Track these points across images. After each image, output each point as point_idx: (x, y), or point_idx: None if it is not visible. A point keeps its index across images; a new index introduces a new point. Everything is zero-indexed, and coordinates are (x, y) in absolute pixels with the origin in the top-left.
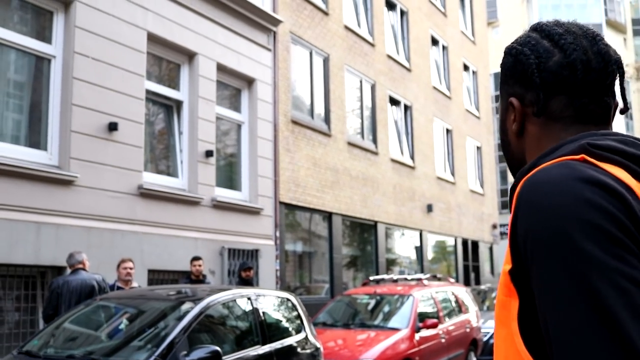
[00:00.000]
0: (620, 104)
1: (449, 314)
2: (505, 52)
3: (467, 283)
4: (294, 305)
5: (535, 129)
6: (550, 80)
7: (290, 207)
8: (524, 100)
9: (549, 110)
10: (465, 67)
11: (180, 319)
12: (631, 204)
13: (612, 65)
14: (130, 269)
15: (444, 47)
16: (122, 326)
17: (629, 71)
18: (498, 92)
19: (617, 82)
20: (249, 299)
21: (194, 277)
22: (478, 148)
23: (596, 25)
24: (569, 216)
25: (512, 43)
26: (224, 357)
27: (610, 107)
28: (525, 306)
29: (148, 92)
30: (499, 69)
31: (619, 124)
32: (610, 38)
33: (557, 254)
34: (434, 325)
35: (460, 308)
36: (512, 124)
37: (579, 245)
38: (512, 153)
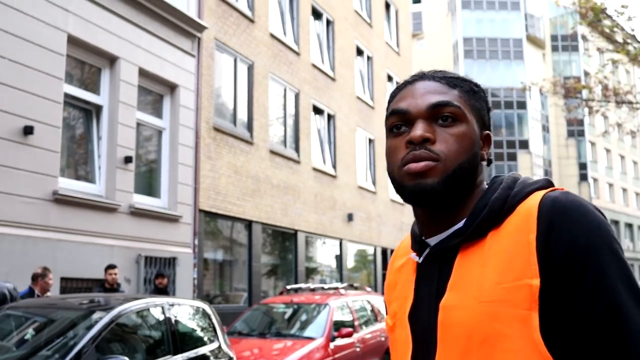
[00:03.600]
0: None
1: (365, 323)
2: (484, 94)
3: None
4: (207, 315)
5: (482, 164)
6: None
7: (211, 215)
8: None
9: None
10: (390, 78)
11: (89, 328)
12: None
13: None
14: (50, 279)
15: (368, 58)
16: (28, 336)
17: (545, 85)
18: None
19: None
20: (162, 308)
21: (109, 286)
22: None
23: (516, 41)
24: (608, 232)
25: (481, 91)
26: None
27: None
28: (546, 318)
29: (67, 95)
30: None
31: (537, 137)
32: (530, 53)
33: (611, 258)
34: (349, 334)
35: (376, 317)
36: (480, 149)
37: (621, 255)
38: (472, 170)
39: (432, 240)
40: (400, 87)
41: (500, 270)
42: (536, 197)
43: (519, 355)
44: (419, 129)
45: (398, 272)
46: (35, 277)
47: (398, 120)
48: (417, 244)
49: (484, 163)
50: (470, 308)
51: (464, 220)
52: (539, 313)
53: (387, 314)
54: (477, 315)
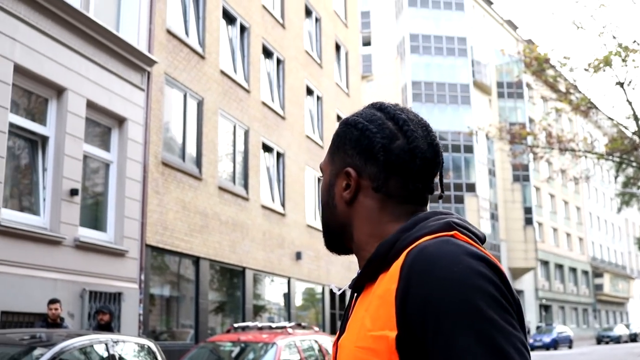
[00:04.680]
0: (438, 191)
1: None
2: (348, 124)
3: (333, 331)
4: (152, 352)
5: (370, 202)
6: (392, 161)
7: (158, 250)
8: (361, 172)
9: (386, 187)
10: (339, 118)
11: None
12: (505, 275)
13: (440, 157)
14: None
15: (318, 97)
16: None
17: (492, 131)
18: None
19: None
20: (106, 344)
21: (51, 321)
22: None
23: (464, 86)
24: (471, 287)
25: (355, 117)
26: None
27: (433, 191)
28: None
29: (12, 125)
30: None
31: (483, 180)
32: (477, 98)
33: (465, 320)
34: None
35: (324, 357)
36: (342, 190)
37: (484, 313)
38: (335, 217)
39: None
40: None
41: (372, 318)
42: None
43: None
44: None
45: None
46: None
47: None
48: None
49: (361, 199)
50: (349, 350)
51: None
52: None
53: None
54: (352, 359)
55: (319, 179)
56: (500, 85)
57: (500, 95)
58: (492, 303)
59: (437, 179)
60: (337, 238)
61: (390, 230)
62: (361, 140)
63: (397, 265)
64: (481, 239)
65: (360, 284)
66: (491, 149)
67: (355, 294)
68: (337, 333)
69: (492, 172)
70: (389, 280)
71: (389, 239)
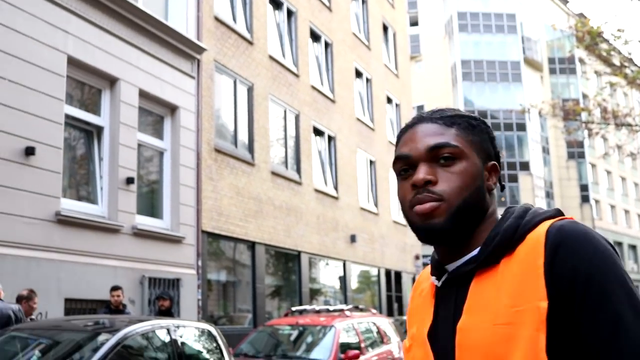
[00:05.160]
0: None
1: (371, 345)
2: (485, 123)
3: (390, 313)
4: (213, 336)
5: (492, 195)
6: (499, 164)
7: (213, 236)
8: (497, 167)
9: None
10: (389, 100)
11: (96, 350)
12: None
13: None
14: (35, 302)
15: (367, 80)
16: (34, 358)
17: (545, 108)
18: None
19: None
20: (167, 330)
21: (114, 307)
22: None
23: (514, 63)
24: (614, 259)
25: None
26: None
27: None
28: (552, 339)
29: (67, 116)
30: (421, 103)
31: (537, 158)
32: (528, 76)
33: (616, 282)
34: (356, 357)
35: (382, 339)
36: (487, 182)
37: (626, 280)
38: (480, 202)
39: (450, 267)
40: (403, 131)
41: (513, 295)
42: (544, 226)
43: None
44: (420, 173)
45: (419, 297)
46: (19, 299)
47: (403, 165)
48: (436, 269)
49: (494, 192)
50: (485, 330)
51: (479, 247)
52: (546, 334)
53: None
54: (491, 337)
55: (370, 162)
56: (551, 61)
57: (552, 71)
58: (625, 274)
59: None
60: (471, 223)
61: (496, 217)
62: (491, 138)
63: (537, 244)
64: None
65: (476, 269)
66: (544, 127)
67: (454, 284)
68: (431, 321)
69: (546, 150)
70: (531, 258)
71: (509, 225)
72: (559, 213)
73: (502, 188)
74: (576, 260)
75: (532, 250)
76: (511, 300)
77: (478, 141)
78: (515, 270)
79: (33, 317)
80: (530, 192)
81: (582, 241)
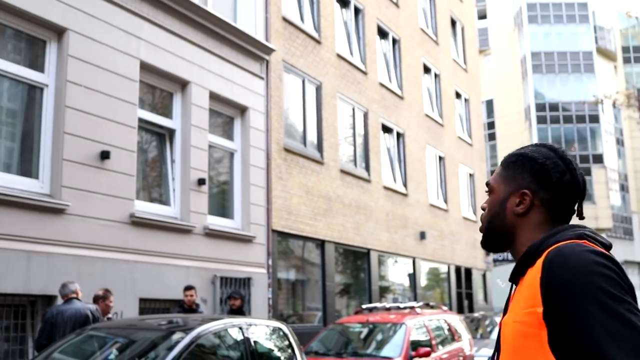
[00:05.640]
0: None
1: (442, 342)
2: (525, 156)
3: (460, 310)
4: (285, 335)
5: (537, 216)
6: (562, 190)
7: (283, 235)
8: (535, 194)
9: (554, 208)
10: (458, 95)
11: (170, 349)
12: (620, 265)
13: (585, 189)
14: (111, 301)
15: (436, 75)
16: (111, 356)
17: (619, 98)
18: (489, 121)
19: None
20: (240, 328)
21: (187, 307)
22: (470, 175)
23: (586, 53)
24: (593, 272)
25: (532, 152)
26: None
27: (582, 215)
28: (554, 335)
29: (141, 120)
30: (490, 97)
31: (611, 151)
32: (601, 66)
33: (589, 295)
34: (427, 354)
35: (453, 336)
36: (515, 205)
37: (604, 288)
38: (500, 224)
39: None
40: None
41: (525, 299)
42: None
43: None
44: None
45: None
46: (96, 299)
47: None
48: None
49: (533, 212)
50: (510, 325)
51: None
52: (547, 332)
53: None
54: (512, 331)
55: (439, 157)
56: (626, 50)
57: (627, 60)
58: (609, 281)
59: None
60: (498, 240)
61: (540, 234)
62: (540, 172)
63: (540, 261)
64: (607, 246)
65: (516, 277)
66: (618, 118)
67: (513, 284)
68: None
69: (620, 142)
70: (535, 272)
71: (536, 242)
72: (577, 237)
73: (582, 218)
74: (555, 278)
75: (537, 266)
76: (525, 303)
77: (511, 175)
78: (529, 280)
79: (110, 316)
80: (604, 185)
81: (562, 263)
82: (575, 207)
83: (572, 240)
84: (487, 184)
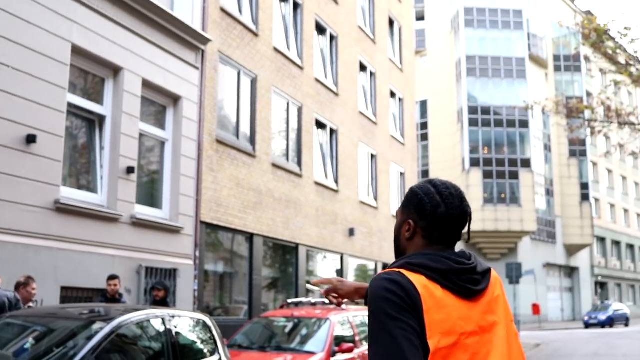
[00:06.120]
0: (465, 238)
1: (366, 339)
2: (413, 192)
3: None
4: (208, 327)
5: (419, 241)
6: (436, 221)
7: (212, 227)
8: (417, 224)
9: (429, 235)
10: (392, 94)
11: (90, 338)
12: (406, 289)
13: (468, 217)
14: (33, 288)
15: (371, 74)
16: (27, 345)
17: (548, 105)
18: (422, 121)
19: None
20: (162, 319)
21: (110, 296)
22: (402, 174)
23: (519, 60)
24: (379, 297)
25: (418, 188)
26: None
27: (460, 239)
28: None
29: (70, 105)
30: (425, 98)
31: (539, 156)
32: (533, 72)
33: (374, 315)
34: (350, 350)
35: None
36: (405, 231)
37: (385, 310)
38: (398, 243)
39: None
40: None
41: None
42: None
43: None
44: None
45: None
46: (17, 286)
47: None
48: None
49: (416, 237)
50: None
51: None
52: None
53: None
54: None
55: (372, 155)
56: (557, 58)
57: (557, 68)
58: (389, 303)
59: (465, 229)
60: (399, 255)
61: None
62: (419, 205)
63: None
64: (440, 270)
65: None
66: (547, 124)
67: None
68: None
69: (547, 147)
70: None
71: (395, 261)
72: (400, 266)
73: (467, 241)
74: (368, 296)
75: None
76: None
77: (405, 207)
78: None
79: (31, 304)
80: (530, 189)
81: (370, 286)
82: (464, 232)
83: (391, 269)
84: (397, 213)
